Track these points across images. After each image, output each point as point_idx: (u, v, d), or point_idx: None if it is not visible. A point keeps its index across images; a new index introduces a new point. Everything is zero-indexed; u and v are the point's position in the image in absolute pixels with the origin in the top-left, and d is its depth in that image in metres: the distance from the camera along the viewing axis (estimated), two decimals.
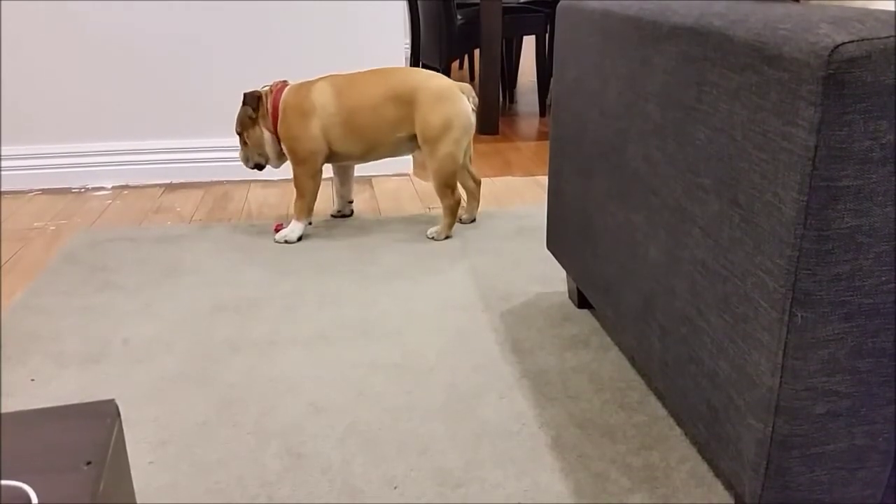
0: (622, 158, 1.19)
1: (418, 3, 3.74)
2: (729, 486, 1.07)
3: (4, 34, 2.39)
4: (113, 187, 2.56)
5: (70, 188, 2.54)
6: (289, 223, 2.06)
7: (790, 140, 0.75)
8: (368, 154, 2.04)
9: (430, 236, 2.05)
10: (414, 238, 2.05)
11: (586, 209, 1.38)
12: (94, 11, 2.41)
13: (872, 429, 0.83)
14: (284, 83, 2.04)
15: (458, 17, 3.41)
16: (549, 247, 1.66)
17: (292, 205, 2.16)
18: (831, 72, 0.70)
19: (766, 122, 0.79)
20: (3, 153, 2.50)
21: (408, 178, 2.66)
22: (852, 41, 0.70)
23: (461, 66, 5.40)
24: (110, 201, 2.42)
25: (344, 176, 2.20)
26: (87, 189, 2.54)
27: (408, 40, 4.59)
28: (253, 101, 2.01)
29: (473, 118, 2.00)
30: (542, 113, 3.70)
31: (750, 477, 0.87)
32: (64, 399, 1.30)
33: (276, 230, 2.10)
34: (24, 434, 0.70)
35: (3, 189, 2.52)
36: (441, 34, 3.38)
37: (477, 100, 2.03)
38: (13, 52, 2.41)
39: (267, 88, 2.04)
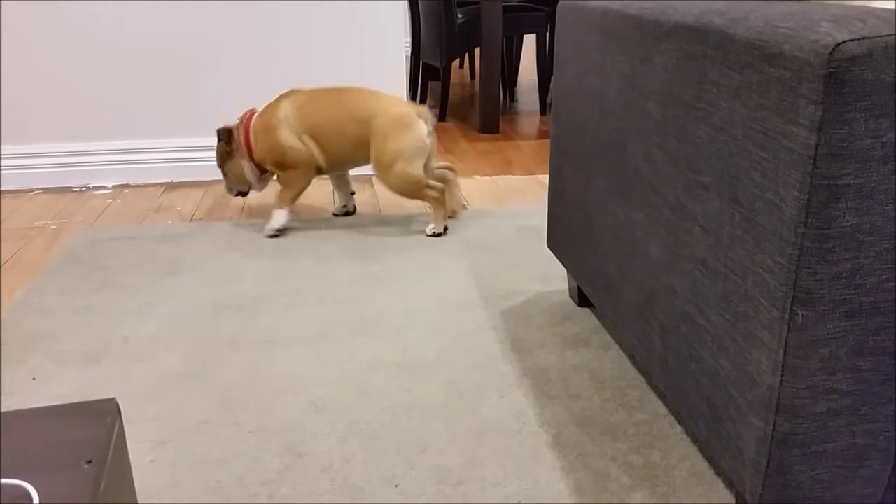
0: (623, 157, 1.19)
1: (419, 1, 3.74)
2: (729, 485, 1.07)
3: (5, 33, 2.39)
4: (113, 186, 2.56)
5: (70, 187, 2.54)
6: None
7: (791, 138, 0.75)
8: (334, 168, 2.11)
9: (430, 234, 2.05)
10: (414, 236, 2.05)
11: (587, 208, 1.38)
12: (95, 10, 2.41)
13: (873, 427, 0.83)
14: (253, 111, 2.10)
15: (459, 15, 3.40)
16: (549, 245, 1.66)
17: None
18: (832, 70, 0.70)
19: (766, 120, 0.79)
20: (3, 152, 2.50)
21: None
22: (853, 39, 0.70)
23: (461, 65, 5.40)
24: (111, 200, 2.42)
25: (339, 178, 2.23)
26: (88, 188, 2.54)
27: (408, 39, 4.59)
28: (225, 135, 2.08)
29: (430, 140, 2.04)
30: (543, 111, 3.70)
31: (750, 475, 0.87)
32: (64, 398, 1.30)
33: None
34: (24, 432, 0.70)
35: (3, 188, 2.52)
36: (441, 33, 3.38)
37: (435, 122, 2.08)
38: (13, 51, 2.41)
39: (238, 121, 2.10)
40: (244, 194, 2.19)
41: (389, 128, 1.99)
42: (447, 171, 2.17)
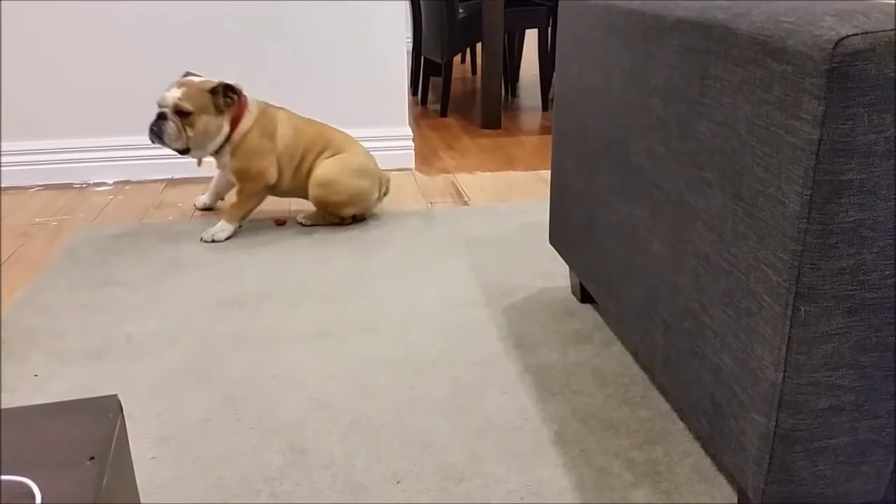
0: (625, 153, 1.18)
1: None
2: (732, 481, 1.07)
3: (5, 30, 2.39)
4: (114, 183, 2.56)
5: (72, 184, 2.54)
6: (220, 223, 2.04)
7: (794, 134, 0.75)
8: (284, 194, 2.12)
9: (299, 221, 2.10)
10: (416, 233, 2.05)
11: (589, 204, 1.38)
12: (95, 6, 2.40)
13: (876, 423, 0.83)
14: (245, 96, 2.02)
15: (460, 10, 3.40)
16: (551, 242, 1.66)
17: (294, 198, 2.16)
18: (835, 65, 0.69)
19: (769, 115, 0.79)
20: (4, 149, 2.50)
21: (409, 172, 2.65)
22: (856, 34, 0.69)
23: (463, 60, 5.39)
24: (112, 197, 2.42)
25: (223, 180, 2.19)
26: (89, 184, 2.54)
27: (409, 34, 4.58)
28: (236, 93, 1.96)
29: (374, 204, 2.12)
30: (545, 107, 3.69)
31: (753, 471, 0.87)
32: (67, 395, 1.30)
33: (277, 223, 2.11)
34: (26, 430, 0.70)
35: (4, 185, 2.52)
36: (443, 28, 3.37)
37: (389, 190, 2.15)
38: (14, 48, 2.41)
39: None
40: (182, 152, 1.98)
41: (356, 170, 2.04)
42: None
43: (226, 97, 1.93)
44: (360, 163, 2.06)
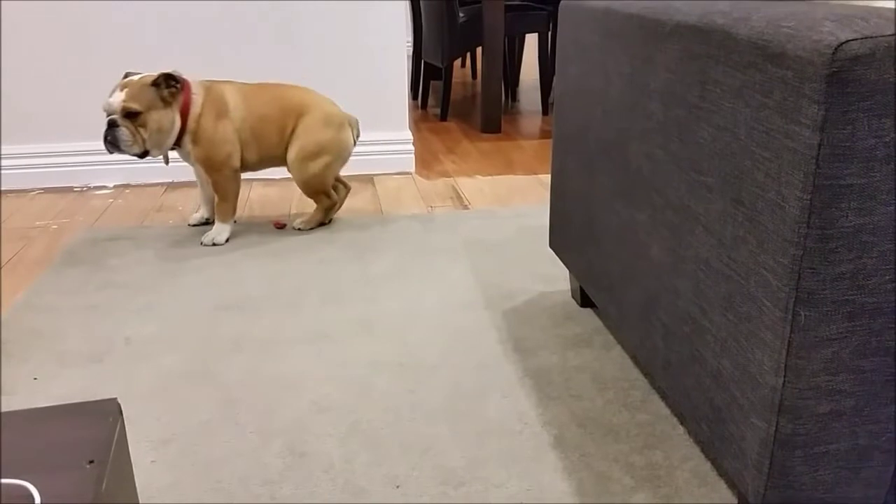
0: (625, 157, 1.19)
1: (420, 1, 3.74)
2: (732, 486, 1.07)
3: (5, 32, 2.39)
4: (115, 186, 2.56)
5: (72, 187, 2.54)
6: (216, 226, 2.03)
7: (794, 138, 0.75)
8: (256, 168, 2.07)
9: (297, 227, 2.10)
10: (416, 237, 2.05)
11: (589, 208, 1.38)
12: (95, 6, 2.41)
13: (876, 428, 0.83)
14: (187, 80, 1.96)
15: (461, 14, 3.40)
16: (551, 245, 1.66)
17: (295, 201, 2.16)
18: (835, 70, 0.70)
19: (769, 120, 0.79)
20: (4, 152, 2.50)
21: (410, 176, 2.66)
22: (856, 39, 0.69)
23: (463, 64, 5.40)
24: (112, 200, 2.42)
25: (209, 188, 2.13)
26: (89, 188, 2.54)
27: (410, 38, 4.59)
28: (180, 83, 1.90)
29: (352, 149, 2.10)
30: (545, 111, 3.70)
31: (753, 476, 0.87)
32: (66, 398, 1.30)
33: (277, 227, 2.11)
34: (26, 432, 0.70)
35: (5, 188, 2.52)
36: (443, 32, 3.38)
37: (360, 132, 2.11)
38: (14, 51, 2.41)
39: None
40: (141, 155, 1.91)
41: (320, 123, 2.02)
42: (343, 187, 2.19)
43: (169, 87, 1.87)
44: (321, 115, 2.03)
